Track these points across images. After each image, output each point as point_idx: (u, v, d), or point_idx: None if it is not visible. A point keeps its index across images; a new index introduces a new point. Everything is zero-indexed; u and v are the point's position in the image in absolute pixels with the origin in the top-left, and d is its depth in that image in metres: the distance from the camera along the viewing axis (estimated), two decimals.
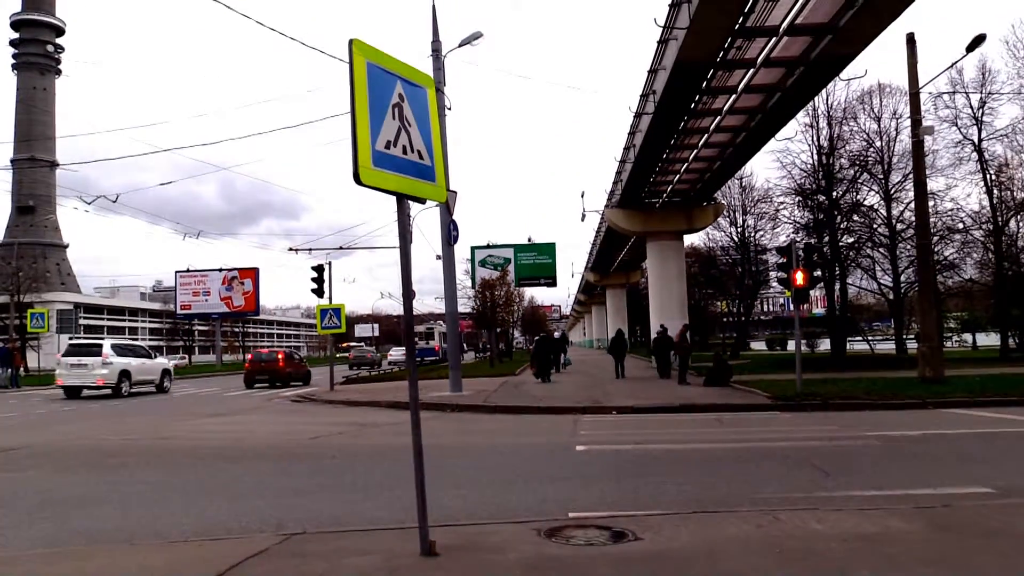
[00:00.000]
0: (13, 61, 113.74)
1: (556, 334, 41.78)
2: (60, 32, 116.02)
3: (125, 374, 26.63)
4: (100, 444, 12.77)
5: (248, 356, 42.41)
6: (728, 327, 63.57)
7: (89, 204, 29.44)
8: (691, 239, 49.82)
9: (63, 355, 27.07)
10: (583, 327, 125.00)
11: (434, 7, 22.42)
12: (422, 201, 5.45)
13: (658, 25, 20.20)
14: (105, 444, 12.74)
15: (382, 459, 10.34)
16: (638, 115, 26.94)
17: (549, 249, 53.74)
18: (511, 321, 47.53)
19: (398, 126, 4.96)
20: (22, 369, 37.96)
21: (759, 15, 17.44)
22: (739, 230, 51.53)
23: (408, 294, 5.35)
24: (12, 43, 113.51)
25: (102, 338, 30.18)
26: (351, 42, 4.69)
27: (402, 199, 5.11)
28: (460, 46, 22.98)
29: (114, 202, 28.64)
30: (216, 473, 9.57)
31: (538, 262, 52.82)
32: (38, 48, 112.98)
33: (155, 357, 30.38)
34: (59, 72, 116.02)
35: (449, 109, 22.20)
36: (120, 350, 27.63)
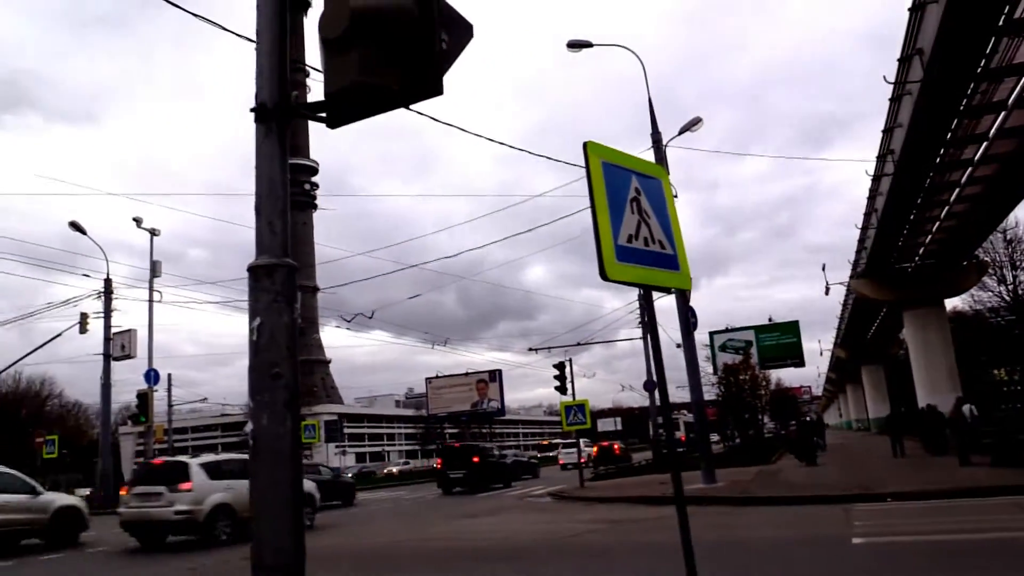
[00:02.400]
0: None
1: (810, 417, 39.38)
2: (315, 172, 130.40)
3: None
4: (367, 547, 13.47)
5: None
6: (1010, 397, 56.66)
7: (349, 321, 32.11)
8: (953, 302, 45.51)
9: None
10: (837, 407, 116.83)
11: (650, 100, 22.77)
12: (667, 290, 5.38)
13: (888, 82, 19.19)
14: (372, 546, 13.41)
15: (644, 557, 10.04)
16: (876, 178, 25.45)
17: (792, 328, 51.15)
18: (759, 406, 45.41)
19: (637, 219, 4.98)
20: None
21: (1003, 54, 16.08)
22: (1009, 288, 46.40)
23: (662, 379, 5.23)
24: None
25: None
26: (586, 145, 4.82)
27: (648, 290, 5.08)
28: (680, 134, 23.09)
29: (370, 318, 31.07)
30: (496, 572, 9.77)
31: (782, 342, 50.36)
32: (298, 188, 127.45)
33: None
34: (315, 206, 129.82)
35: (676, 196, 22.17)
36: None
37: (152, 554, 14.80)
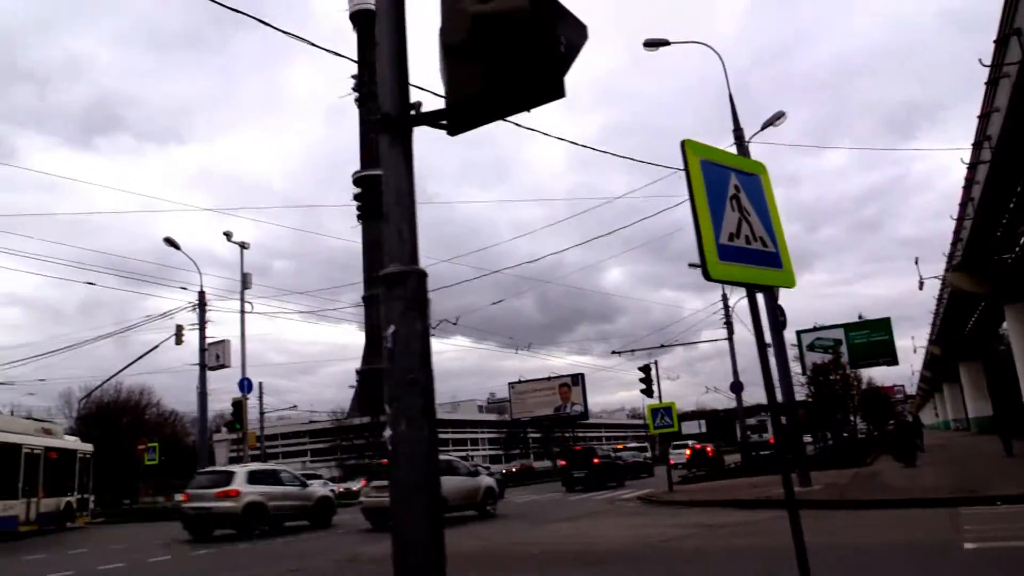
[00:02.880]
0: (357, 213, 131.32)
1: (907, 416, 38.13)
2: None
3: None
4: (464, 551, 13.60)
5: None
6: None
7: (435, 328, 32.43)
8: None
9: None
10: (933, 407, 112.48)
11: (731, 96, 22.37)
12: (769, 289, 5.31)
13: (984, 65, 18.45)
14: (469, 550, 13.53)
15: (739, 561, 9.86)
16: (972, 166, 24.44)
17: (884, 325, 49.50)
18: (851, 407, 44.10)
19: (738, 217, 4.91)
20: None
21: None
22: None
23: (768, 380, 5.13)
24: (356, 197, 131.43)
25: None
26: (684, 143, 4.78)
27: (751, 289, 5.01)
28: (763, 129, 22.66)
29: (455, 324, 31.38)
30: None
31: (873, 340, 48.77)
32: (376, 200, 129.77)
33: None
34: None
35: None
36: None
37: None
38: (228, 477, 20.76)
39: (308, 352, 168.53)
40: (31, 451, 27.47)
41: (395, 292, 2.57)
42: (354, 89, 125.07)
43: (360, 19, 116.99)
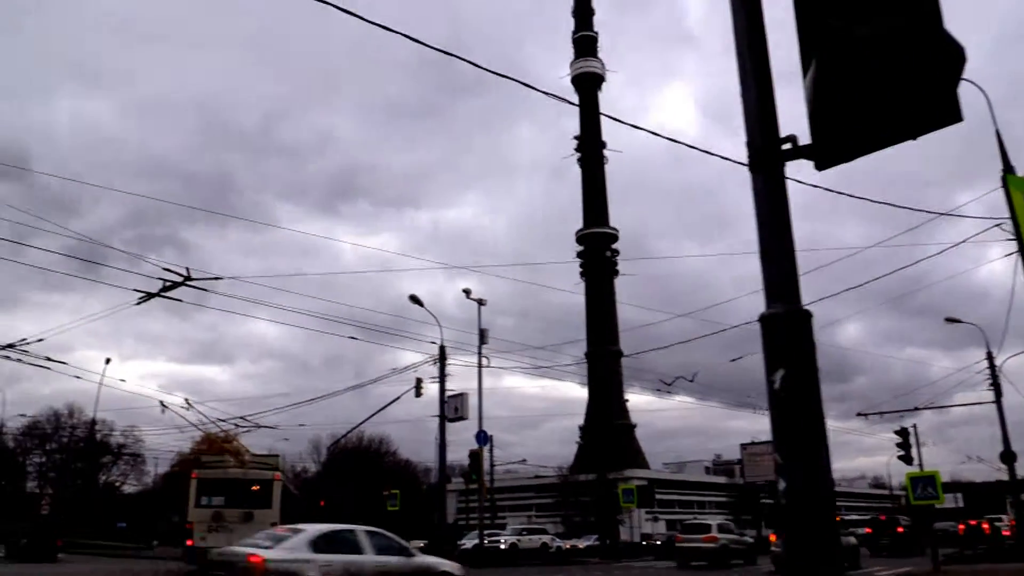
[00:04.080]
0: (580, 270, 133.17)
1: None
2: (615, 239, 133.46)
3: None
4: None
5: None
6: None
7: (669, 385, 32.00)
8: None
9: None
10: None
11: (998, 131, 20.45)
12: None
13: None
14: None
15: None
16: None
17: None
18: None
19: None
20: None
21: None
22: None
23: None
24: (579, 254, 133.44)
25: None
26: (1005, 177, 4.42)
27: None
28: None
29: (691, 381, 30.70)
30: None
31: None
32: (599, 258, 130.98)
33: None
34: (616, 273, 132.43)
35: None
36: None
37: None
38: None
39: (530, 406, 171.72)
40: None
41: (777, 333, 2.45)
42: (576, 150, 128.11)
43: (582, 82, 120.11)
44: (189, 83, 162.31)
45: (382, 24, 9.09)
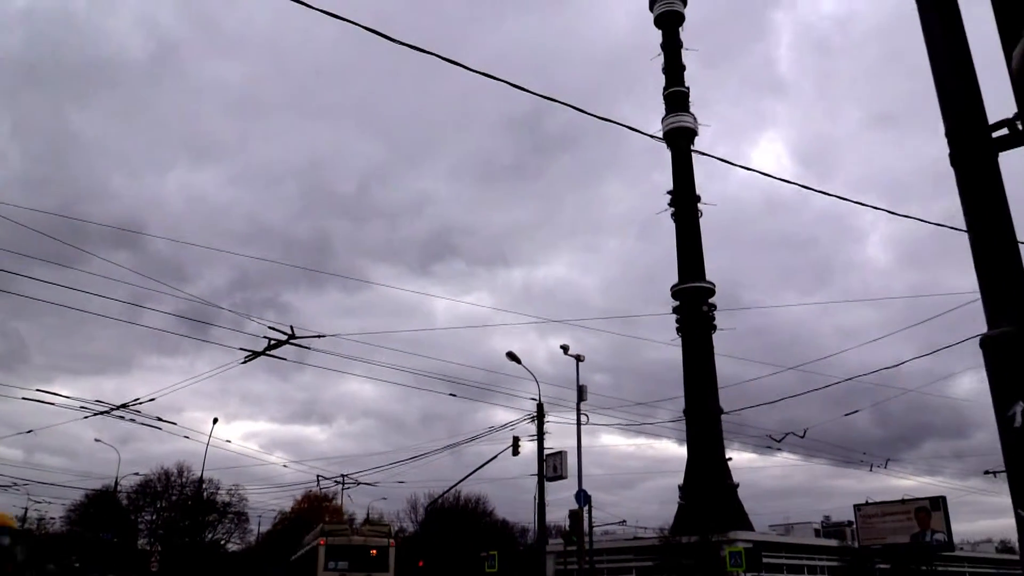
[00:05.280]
0: (676, 325, 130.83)
1: None
2: (712, 293, 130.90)
3: None
4: None
5: None
6: None
7: (779, 442, 30.63)
8: None
9: None
10: None
11: None
12: None
13: None
14: None
15: None
16: None
17: None
18: None
19: None
20: None
21: None
22: None
23: None
24: (675, 310, 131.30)
25: None
26: None
27: None
28: None
29: (802, 437, 29.25)
30: None
31: None
32: (696, 311, 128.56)
33: None
34: (714, 328, 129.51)
35: None
36: None
37: None
38: None
39: (626, 465, 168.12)
40: None
41: (1011, 357, 1.99)
42: (670, 204, 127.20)
43: (674, 136, 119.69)
44: (295, 151, 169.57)
45: (485, 73, 8.97)
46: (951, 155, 2.25)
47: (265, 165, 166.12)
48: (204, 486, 58.72)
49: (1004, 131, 2.23)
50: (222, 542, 71.90)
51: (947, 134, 2.28)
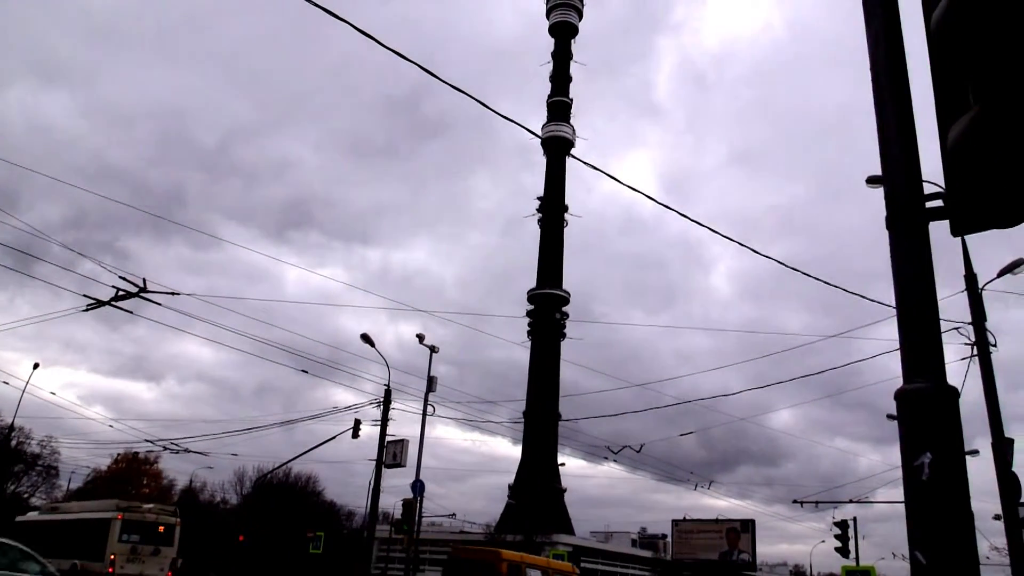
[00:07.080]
0: (528, 328, 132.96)
1: None
2: (566, 302, 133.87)
3: None
4: None
5: None
6: None
7: (616, 453, 31.70)
8: None
9: None
10: None
11: (964, 240, 20.98)
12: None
13: None
14: None
15: None
16: None
17: None
18: None
19: None
20: None
21: None
22: None
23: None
24: (529, 313, 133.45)
25: None
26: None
27: None
28: (999, 276, 20.95)
29: (638, 452, 30.38)
30: None
31: None
32: (549, 318, 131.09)
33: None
34: (564, 335, 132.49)
35: (994, 346, 19.91)
36: None
37: None
38: None
39: (459, 459, 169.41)
40: None
41: (923, 412, 2.16)
42: (539, 210, 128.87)
43: (551, 144, 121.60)
44: (156, 94, 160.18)
45: (373, 37, 8.42)
46: (887, 218, 2.44)
47: (120, 104, 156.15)
48: (14, 433, 54.67)
49: (938, 203, 2.45)
50: (25, 496, 67.14)
51: (886, 197, 2.47)
